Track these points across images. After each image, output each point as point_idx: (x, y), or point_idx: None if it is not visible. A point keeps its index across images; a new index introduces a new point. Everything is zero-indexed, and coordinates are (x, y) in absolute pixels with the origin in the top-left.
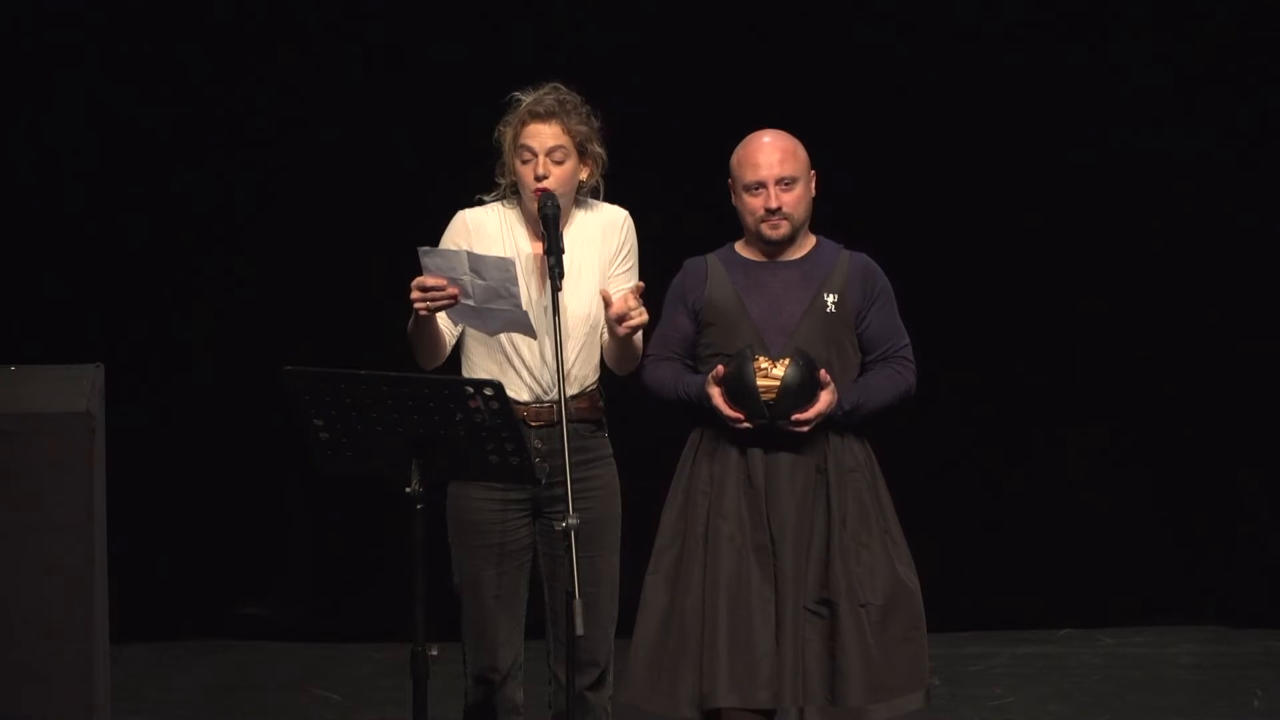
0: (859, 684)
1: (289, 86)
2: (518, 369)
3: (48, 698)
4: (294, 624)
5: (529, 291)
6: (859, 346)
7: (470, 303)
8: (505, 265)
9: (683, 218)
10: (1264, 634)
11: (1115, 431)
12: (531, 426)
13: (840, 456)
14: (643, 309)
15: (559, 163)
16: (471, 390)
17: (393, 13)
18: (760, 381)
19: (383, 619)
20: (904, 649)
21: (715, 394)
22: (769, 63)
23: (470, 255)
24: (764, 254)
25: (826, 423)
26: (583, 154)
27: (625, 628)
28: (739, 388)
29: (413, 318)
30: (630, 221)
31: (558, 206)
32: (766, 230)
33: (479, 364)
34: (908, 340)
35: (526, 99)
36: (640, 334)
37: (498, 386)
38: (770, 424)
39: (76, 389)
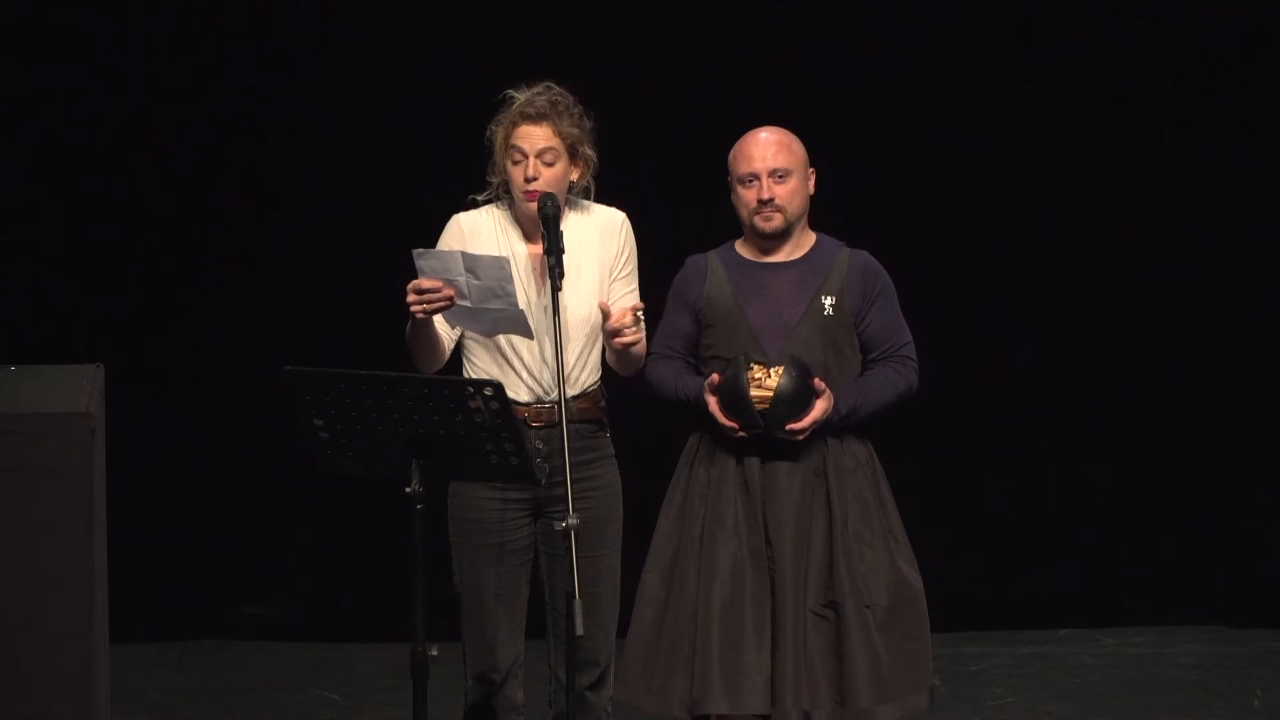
0: (866, 685)
1: (289, 87)
2: (518, 370)
3: (48, 698)
4: (294, 624)
5: (527, 292)
6: (860, 346)
7: (467, 304)
8: (500, 264)
9: (683, 216)
10: (1264, 634)
11: (1115, 431)
12: (532, 427)
13: (839, 458)
14: (640, 329)
15: (549, 164)
16: (471, 390)
17: (393, 12)
18: (754, 392)
19: (383, 619)
20: (909, 648)
21: (711, 402)
22: (770, 62)
23: (465, 255)
24: (762, 253)
25: (824, 426)
26: (574, 155)
27: (626, 628)
28: (733, 398)
29: (410, 322)
30: (629, 224)
31: (558, 206)
32: (759, 223)
33: (480, 365)
34: (909, 339)
35: (519, 98)
36: (642, 340)
37: (498, 386)
38: (765, 433)
39: (76, 389)
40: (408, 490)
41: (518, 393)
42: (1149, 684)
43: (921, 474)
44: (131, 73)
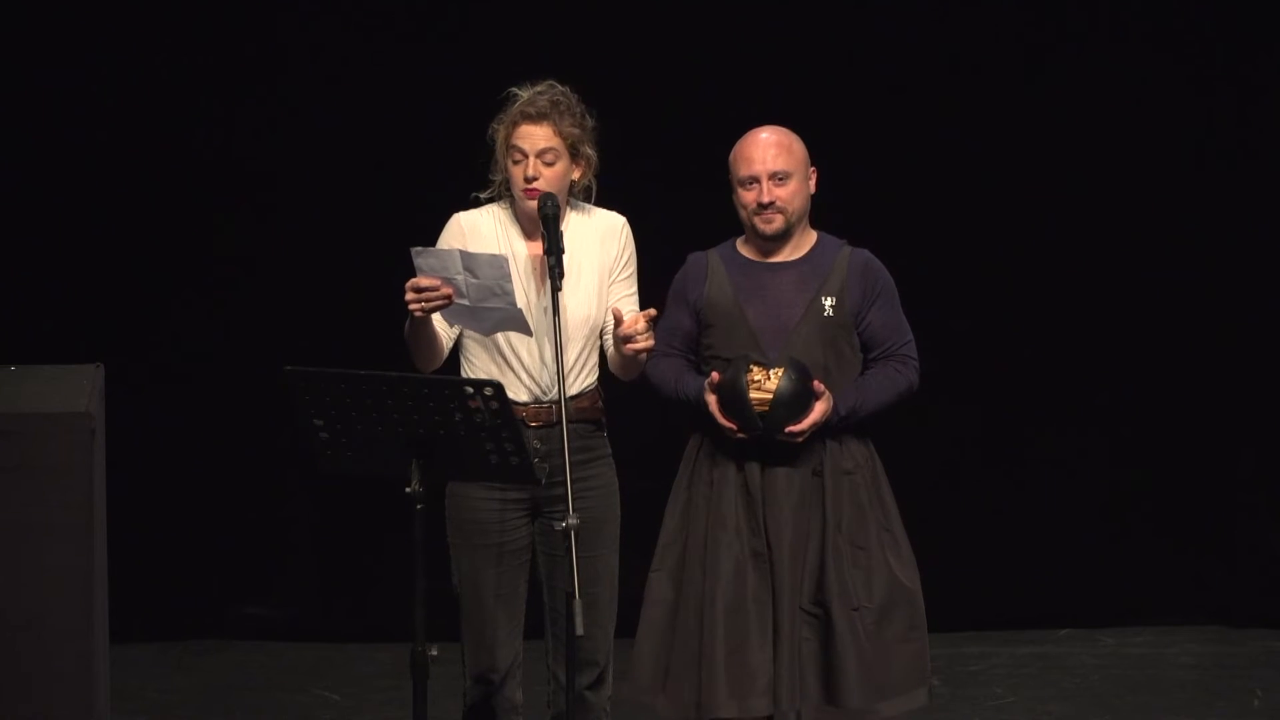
0: (855, 686)
1: (289, 87)
2: (517, 370)
3: (48, 698)
4: (294, 624)
5: (527, 292)
6: (860, 345)
7: (465, 302)
8: (499, 263)
9: (683, 217)
10: (1264, 634)
11: (1115, 431)
12: (530, 427)
13: (838, 459)
14: (651, 335)
15: (550, 164)
16: (471, 390)
17: (393, 12)
18: (754, 394)
19: (383, 619)
20: (903, 649)
21: (711, 402)
22: (771, 61)
23: (463, 254)
24: (762, 253)
25: (824, 428)
26: (575, 155)
27: (625, 627)
28: (732, 400)
29: (409, 321)
30: (628, 228)
31: (558, 206)
32: (760, 225)
33: (479, 365)
34: (910, 337)
35: (521, 97)
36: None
37: (497, 386)
38: (764, 435)
39: (76, 389)
40: (408, 490)
41: (517, 393)
42: (1149, 684)
43: (922, 474)
44: (131, 73)
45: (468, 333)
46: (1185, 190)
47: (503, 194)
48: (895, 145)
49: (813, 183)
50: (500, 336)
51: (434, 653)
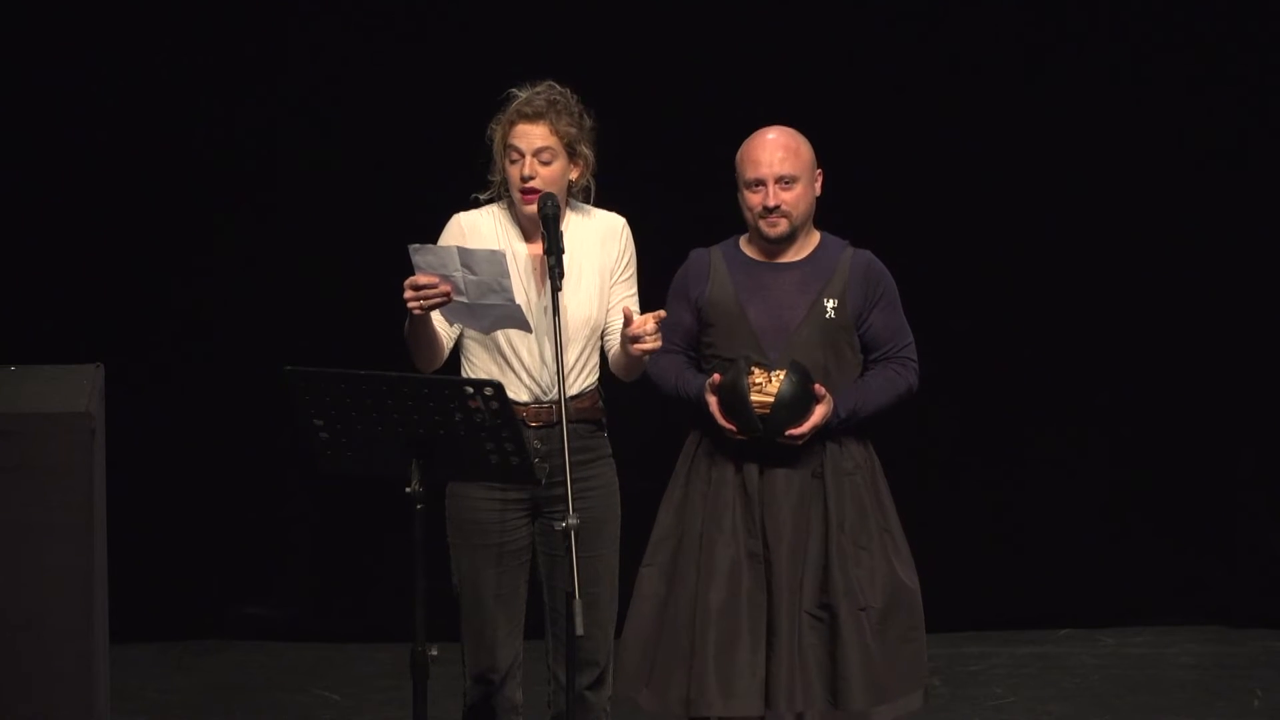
0: (860, 687)
1: (289, 87)
2: (516, 370)
3: (48, 698)
4: (294, 624)
5: (527, 292)
6: (861, 346)
7: (464, 299)
8: (497, 258)
9: (683, 217)
10: (1264, 634)
11: (1115, 431)
12: (530, 427)
13: (838, 460)
14: (659, 337)
15: (546, 164)
16: (471, 390)
17: (394, 11)
18: (755, 397)
19: (383, 619)
20: (904, 650)
21: (712, 403)
22: (771, 61)
23: (461, 251)
24: (765, 253)
25: (824, 429)
26: (572, 155)
27: (623, 625)
28: (733, 402)
29: (408, 320)
30: (628, 229)
31: (558, 206)
32: (765, 227)
33: (479, 365)
34: (911, 340)
35: (520, 96)
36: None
37: (498, 386)
38: (765, 437)
39: (76, 389)
40: (408, 490)
41: (517, 393)
42: (1149, 684)
43: (922, 474)
44: (131, 73)
45: (468, 332)
46: (1185, 190)
47: (502, 194)
48: (895, 145)
49: (818, 185)
50: (500, 336)
51: (434, 653)
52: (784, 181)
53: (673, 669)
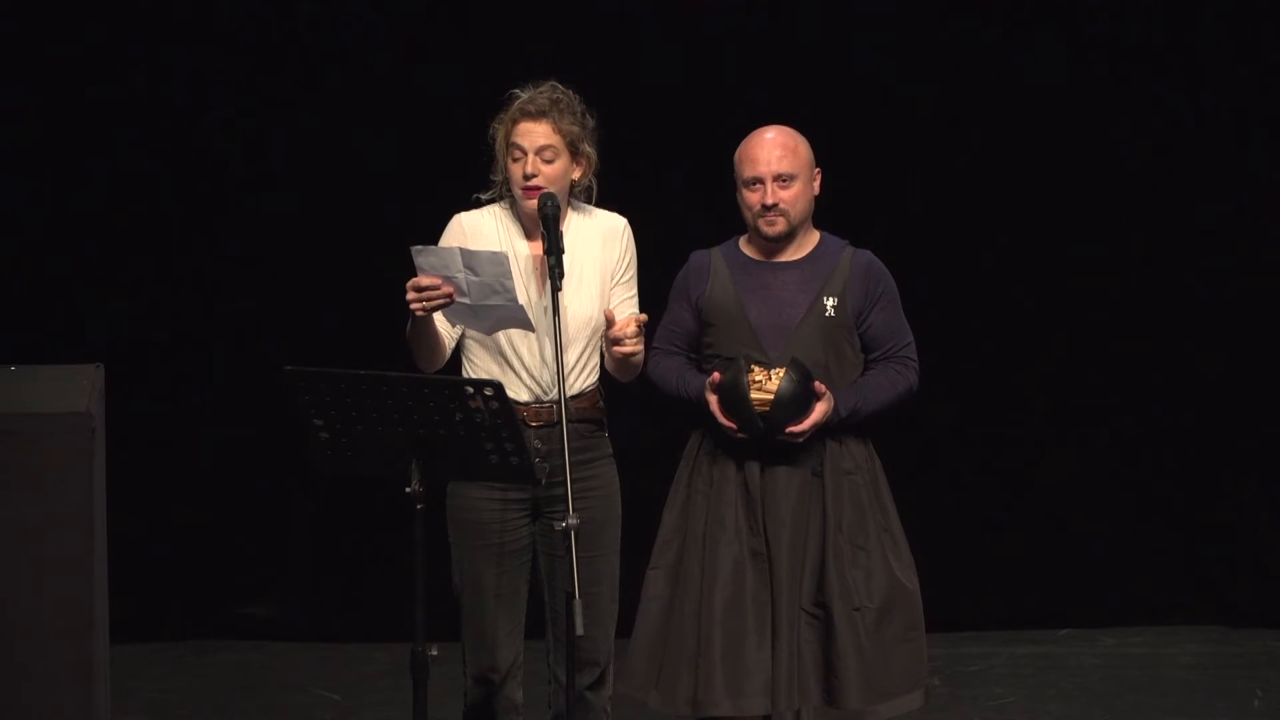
0: (855, 686)
1: (290, 87)
2: (517, 370)
3: (48, 698)
4: (294, 624)
5: (528, 292)
6: (861, 345)
7: (466, 300)
8: (499, 260)
9: (684, 217)
10: (1264, 634)
11: (1115, 431)
12: (531, 427)
13: (838, 459)
14: (640, 340)
15: (549, 162)
16: (471, 390)
17: (394, 11)
18: (755, 394)
19: (383, 619)
20: (902, 649)
21: (712, 401)
22: (770, 61)
23: (463, 252)
24: (765, 252)
25: (824, 428)
26: (574, 153)
27: (625, 627)
28: (733, 399)
29: (410, 320)
30: (630, 230)
31: (558, 206)
32: (763, 226)
33: (480, 365)
34: (911, 339)
35: (522, 96)
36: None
37: (498, 386)
38: (765, 435)
39: (76, 389)
40: (408, 490)
41: (517, 393)
42: (1149, 684)
43: (922, 474)
44: (132, 72)
45: (469, 332)
46: (1185, 190)
47: (504, 194)
48: (895, 145)
49: (817, 184)
50: (501, 336)
51: (434, 653)
52: (782, 180)
53: (680, 670)
